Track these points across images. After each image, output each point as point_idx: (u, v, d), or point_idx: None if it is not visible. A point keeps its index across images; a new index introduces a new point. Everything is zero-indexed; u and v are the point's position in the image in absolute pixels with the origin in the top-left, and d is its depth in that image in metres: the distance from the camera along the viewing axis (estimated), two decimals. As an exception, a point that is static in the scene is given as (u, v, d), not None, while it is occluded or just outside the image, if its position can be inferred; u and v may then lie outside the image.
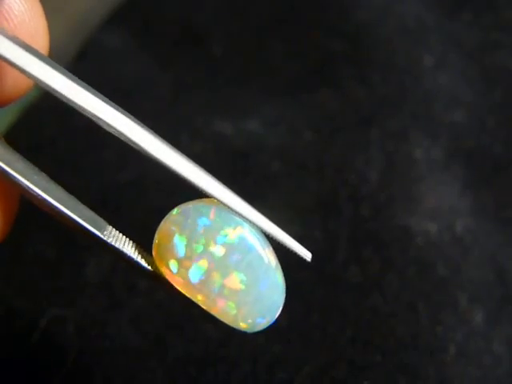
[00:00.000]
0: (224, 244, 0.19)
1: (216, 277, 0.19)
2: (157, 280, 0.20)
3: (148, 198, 0.33)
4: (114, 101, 0.19)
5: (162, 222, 0.20)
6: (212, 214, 0.19)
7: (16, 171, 0.19)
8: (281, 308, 0.20)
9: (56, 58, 0.20)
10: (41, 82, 0.18)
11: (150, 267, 0.20)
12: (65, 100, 0.18)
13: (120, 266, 0.30)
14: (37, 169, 0.20)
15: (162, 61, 0.39)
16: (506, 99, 0.37)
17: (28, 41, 0.19)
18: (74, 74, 0.19)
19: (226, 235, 0.19)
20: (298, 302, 0.29)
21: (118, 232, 0.20)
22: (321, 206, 0.32)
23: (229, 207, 0.19)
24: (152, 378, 0.27)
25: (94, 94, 0.18)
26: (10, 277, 0.30)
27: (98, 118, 0.18)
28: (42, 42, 0.20)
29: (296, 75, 0.38)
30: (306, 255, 0.20)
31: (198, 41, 0.40)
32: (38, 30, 0.20)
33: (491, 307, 0.29)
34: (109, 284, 0.29)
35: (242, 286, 0.19)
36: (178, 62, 0.39)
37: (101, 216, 0.20)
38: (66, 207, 0.19)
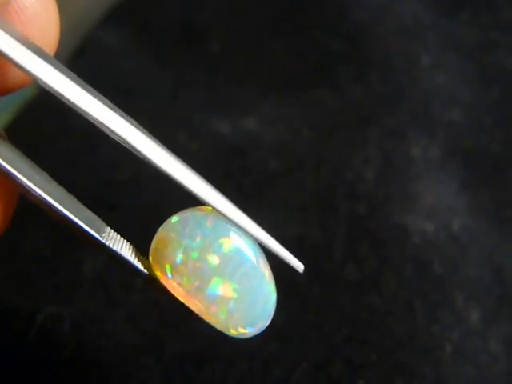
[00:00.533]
0: (219, 253, 0.19)
1: (210, 284, 0.19)
2: (152, 284, 0.20)
3: (145, 196, 0.33)
4: (112, 99, 0.19)
5: (161, 229, 0.20)
6: (209, 223, 0.20)
7: (18, 170, 0.19)
8: (271, 317, 0.21)
9: (55, 55, 0.20)
10: (43, 82, 0.18)
11: (146, 271, 0.20)
12: (67, 103, 0.18)
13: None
14: (38, 168, 0.20)
15: (161, 59, 0.39)
16: (504, 98, 0.37)
17: (39, 33, 0.19)
18: (72, 71, 0.19)
19: (221, 245, 0.19)
20: (294, 300, 0.29)
21: (116, 234, 0.20)
22: (318, 204, 0.32)
23: (225, 217, 0.19)
24: (149, 376, 0.27)
25: (98, 98, 0.18)
26: (7, 274, 0.30)
27: (102, 125, 0.18)
28: (53, 34, 0.20)
29: (295, 74, 0.38)
30: (299, 267, 0.20)
31: (198, 39, 0.40)
32: (49, 22, 0.19)
33: (488, 306, 0.29)
34: (105, 282, 0.29)
35: (235, 295, 0.20)
36: (178, 60, 0.39)
37: (98, 214, 0.20)
38: (65, 208, 0.19)
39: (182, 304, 0.20)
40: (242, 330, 0.20)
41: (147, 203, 0.32)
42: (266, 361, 0.28)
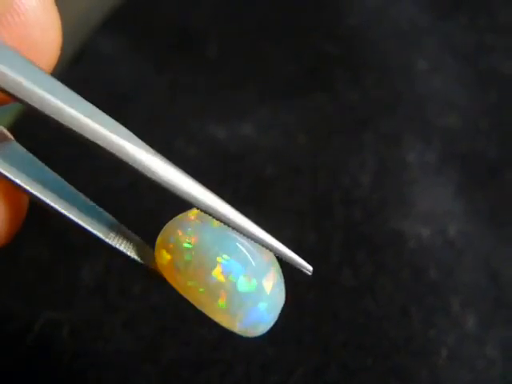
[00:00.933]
0: (217, 262, 0.19)
1: (212, 288, 0.19)
2: (157, 278, 0.20)
3: (145, 201, 0.33)
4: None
5: (166, 227, 0.20)
6: (211, 226, 0.20)
7: (20, 175, 0.19)
8: (272, 323, 0.21)
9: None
10: (30, 106, 0.17)
11: (154, 269, 0.20)
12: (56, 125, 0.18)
13: (115, 269, 0.30)
14: (44, 166, 0.20)
15: (158, 64, 0.39)
16: (501, 102, 0.37)
17: (41, 37, 0.19)
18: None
19: (219, 253, 0.19)
20: (291, 305, 0.29)
21: (124, 229, 0.20)
22: (314, 209, 0.32)
23: (230, 224, 0.19)
24: (147, 381, 0.27)
25: (88, 115, 0.18)
26: (5, 279, 0.30)
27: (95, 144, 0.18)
28: (55, 38, 0.19)
29: (291, 78, 0.38)
30: (308, 269, 0.20)
31: (195, 44, 0.40)
32: (51, 25, 0.19)
33: (484, 310, 0.30)
34: (104, 287, 0.29)
35: (236, 299, 0.20)
36: (175, 64, 0.39)
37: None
38: (71, 211, 0.20)
39: (186, 302, 0.20)
40: (244, 330, 0.20)
41: (147, 209, 0.32)
42: (263, 365, 0.28)
